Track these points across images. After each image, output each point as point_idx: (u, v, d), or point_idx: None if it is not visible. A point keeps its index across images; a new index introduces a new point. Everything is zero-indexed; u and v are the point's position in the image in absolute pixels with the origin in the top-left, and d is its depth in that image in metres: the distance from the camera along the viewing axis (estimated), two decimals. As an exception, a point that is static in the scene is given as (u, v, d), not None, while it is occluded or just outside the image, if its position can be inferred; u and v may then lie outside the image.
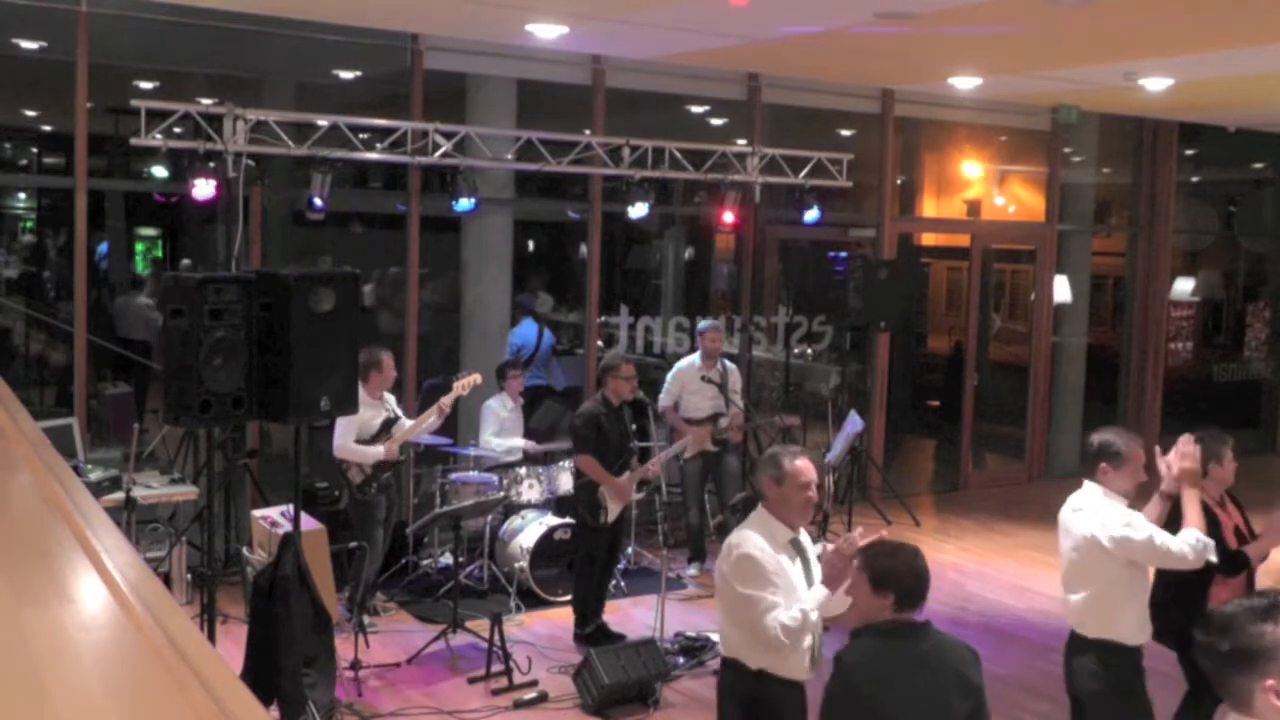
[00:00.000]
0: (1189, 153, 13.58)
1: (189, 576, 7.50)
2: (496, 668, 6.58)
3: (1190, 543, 4.48)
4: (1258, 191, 15.32)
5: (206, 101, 7.88)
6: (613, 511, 7.23)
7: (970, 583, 8.63)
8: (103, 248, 11.99)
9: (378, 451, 7.28)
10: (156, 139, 7.41)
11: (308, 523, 6.38)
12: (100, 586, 1.69)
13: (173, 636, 1.48)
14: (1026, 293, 12.73)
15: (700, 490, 8.71)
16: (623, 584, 8.21)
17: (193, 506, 7.65)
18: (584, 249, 10.09)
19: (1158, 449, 4.86)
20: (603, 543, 7.37)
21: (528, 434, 8.74)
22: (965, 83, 10.18)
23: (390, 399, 7.55)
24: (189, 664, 1.40)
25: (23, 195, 13.81)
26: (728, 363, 8.73)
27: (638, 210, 9.04)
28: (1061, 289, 12.55)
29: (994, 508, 11.08)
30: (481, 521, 8.04)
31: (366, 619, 7.22)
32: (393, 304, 10.06)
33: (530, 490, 8.21)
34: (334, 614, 6.19)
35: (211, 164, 7.42)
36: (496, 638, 6.56)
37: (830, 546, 4.15)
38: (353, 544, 7.17)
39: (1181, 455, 4.73)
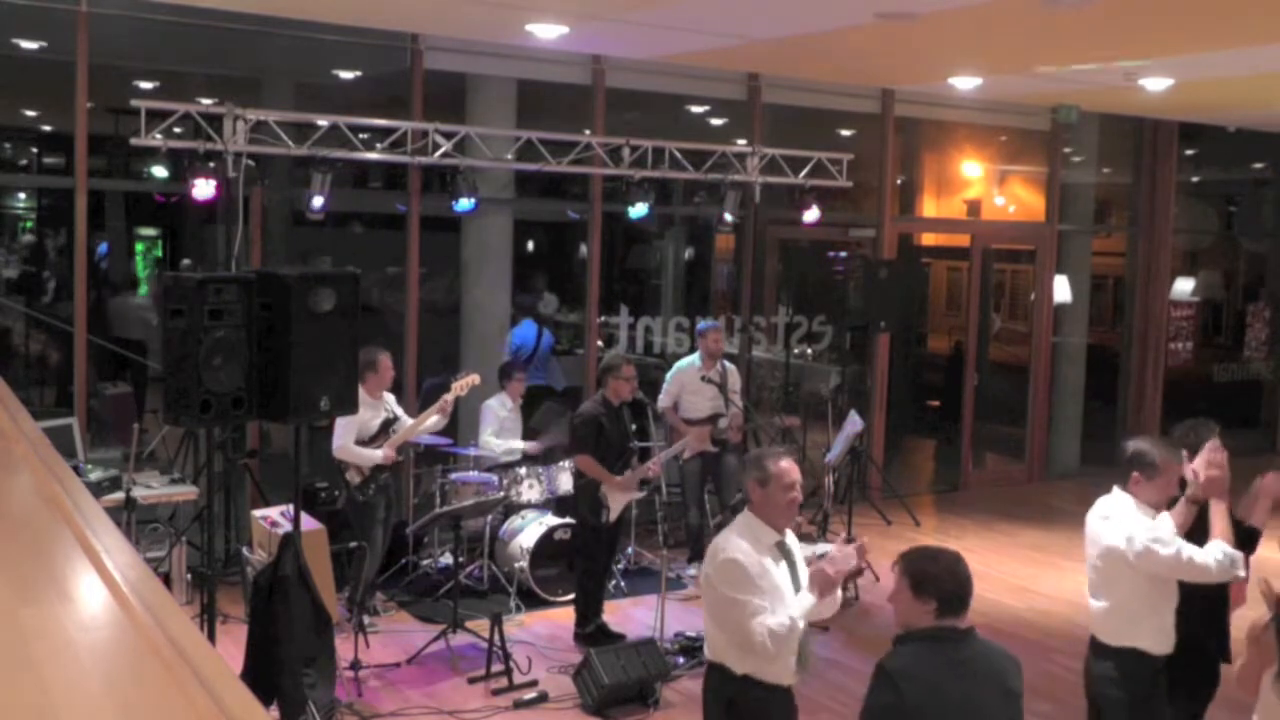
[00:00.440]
0: (1189, 153, 13.58)
1: (189, 576, 7.50)
2: (496, 668, 6.59)
3: (1216, 557, 4.42)
4: (1258, 191, 15.32)
5: (206, 101, 7.88)
6: (614, 511, 7.24)
7: (970, 583, 8.62)
8: (103, 248, 11.99)
9: (376, 455, 7.27)
10: (156, 139, 7.41)
11: (308, 523, 6.38)
12: (100, 586, 1.69)
13: (173, 636, 1.48)
14: (1026, 293, 12.73)
15: (700, 490, 8.71)
16: (623, 584, 8.21)
17: (193, 506, 7.65)
18: (584, 249, 10.09)
19: (1184, 452, 4.82)
20: (602, 542, 7.37)
21: (527, 434, 8.73)
22: (965, 83, 10.18)
23: (390, 399, 7.55)
24: (189, 664, 1.40)
25: (23, 195, 13.81)
26: (727, 363, 8.73)
27: (638, 210, 9.04)
28: (1061, 289, 12.55)
29: (994, 508, 11.08)
30: (481, 521, 8.04)
31: (366, 619, 7.22)
32: (393, 304, 10.06)
33: (530, 490, 8.21)
34: (334, 614, 6.19)
35: (211, 164, 7.42)
36: (496, 638, 6.56)
37: (824, 552, 4.16)
38: (353, 544, 7.17)
39: (1209, 464, 4.69)
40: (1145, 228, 12.98)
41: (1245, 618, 4.43)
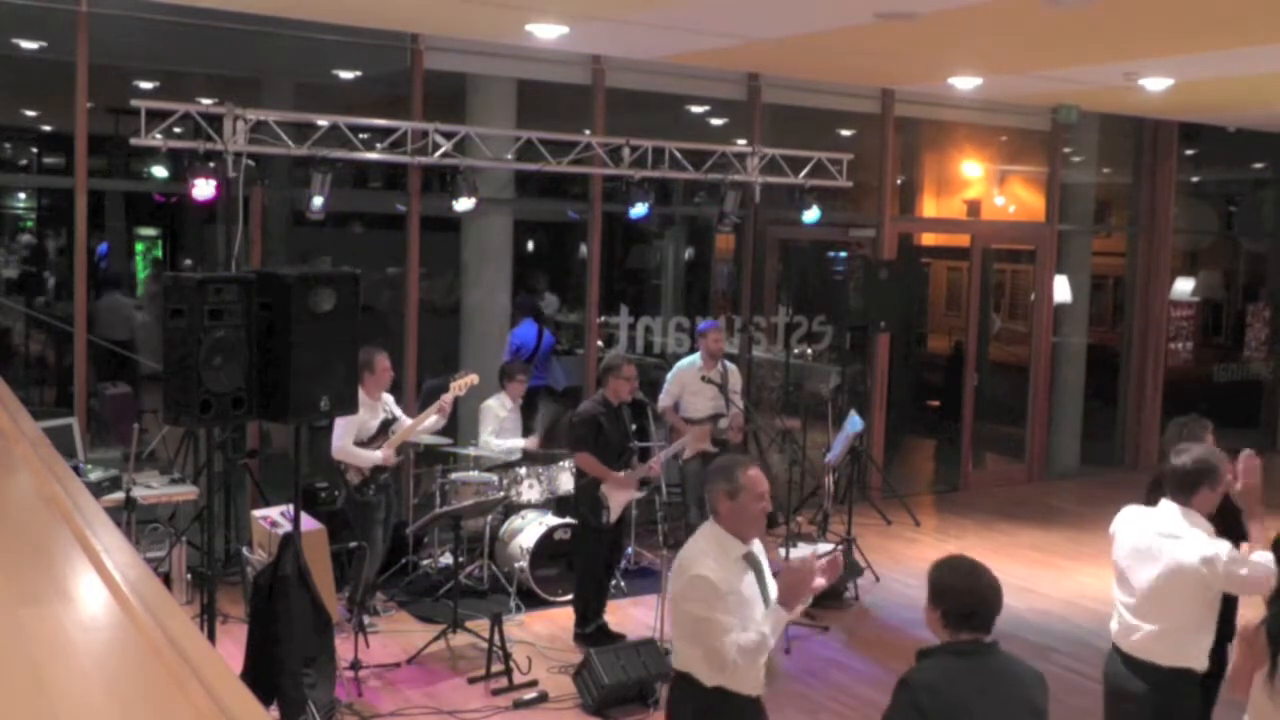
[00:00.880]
0: (1189, 153, 13.58)
1: (189, 576, 7.50)
2: (496, 668, 6.58)
3: (1272, 566, 4.33)
4: (1258, 191, 15.32)
5: (206, 101, 7.88)
6: (614, 511, 7.24)
7: (970, 583, 8.61)
8: (103, 248, 11.99)
9: (375, 456, 7.27)
10: (156, 139, 7.41)
11: (308, 523, 6.38)
12: (100, 586, 1.69)
13: (173, 636, 1.48)
14: (1026, 293, 12.73)
15: (700, 490, 8.69)
16: (623, 584, 8.21)
17: (193, 506, 7.65)
18: (584, 249, 10.09)
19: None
20: (604, 543, 7.37)
21: (528, 432, 8.73)
22: (965, 83, 10.18)
23: (389, 400, 7.55)
24: (189, 664, 1.40)
25: (23, 195, 13.81)
26: (728, 363, 8.73)
27: (638, 210, 9.04)
28: (1061, 289, 12.55)
29: (994, 508, 11.08)
30: (481, 521, 8.04)
31: (366, 619, 7.22)
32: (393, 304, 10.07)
33: (530, 490, 8.20)
34: (334, 614, 6.19)
35: (211, 164, 7.42)
36: (496, 638, 6.56)
37: (823, 552, 4.13)
38: (353, 544, 7.17)
39: (1245, 472, 4.65)
40: (1145, 228, 12.98)
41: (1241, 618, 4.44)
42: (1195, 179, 14.32)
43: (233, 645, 6.04)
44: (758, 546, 4.16)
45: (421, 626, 7.41)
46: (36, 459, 2.43)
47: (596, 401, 7.31)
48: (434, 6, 7.83)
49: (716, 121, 11.26)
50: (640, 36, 8.40)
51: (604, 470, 7.13)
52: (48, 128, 12.03)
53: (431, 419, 7.49)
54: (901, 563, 9.15)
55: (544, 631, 7.46)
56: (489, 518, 8.06)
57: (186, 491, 7.68)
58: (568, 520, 7.88)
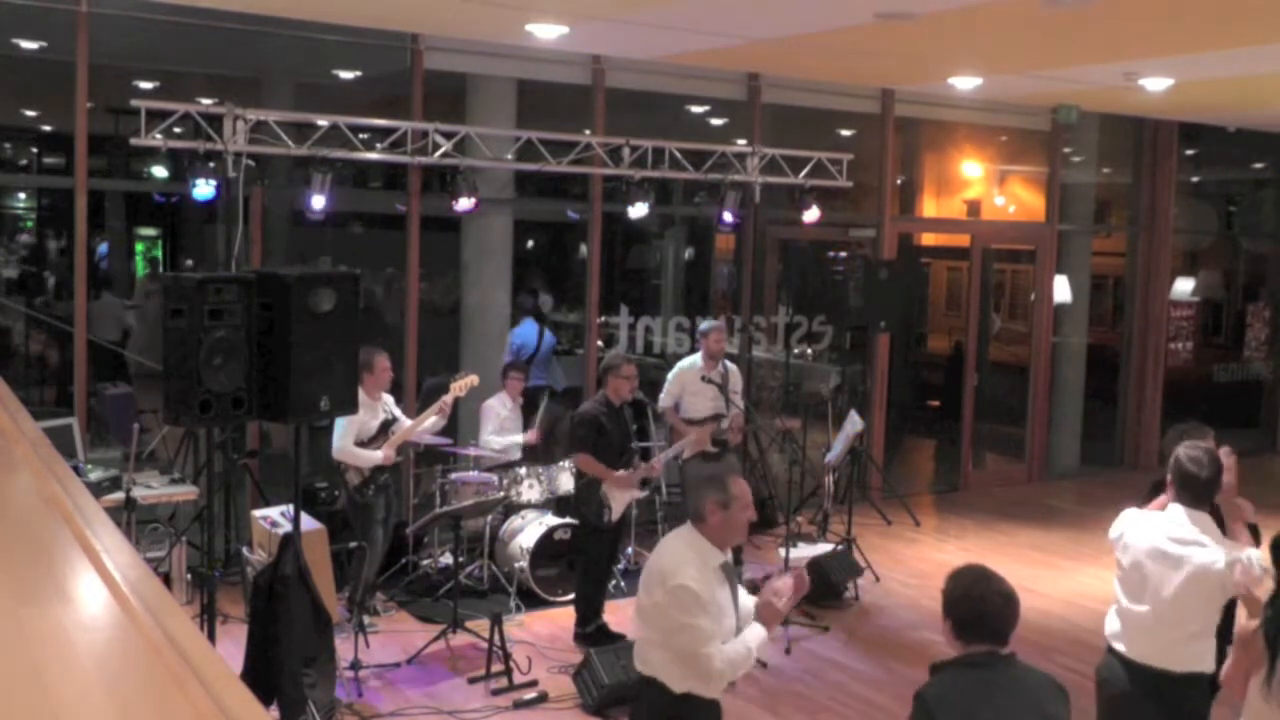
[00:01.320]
0: (1189, 153, 13.58)
1: (189, 576, 7.51)
2: (496, 668, 6.59)
3: (1265, 567, 4.32)
4: (1258, 191, 15.32)
5: (206, 101, 7.88)
6: (616, 511, 7.24)
7: (970, 583, 8.61)
8: (103, 248, 12.00)
9: (376, 456, 7.27)
10: (156, 139, 7.41)
11: (308, 523, 6.39)
12: (100, 586, 1.68)
13: (173, 636, 1.48)
14: (1026, 293, 12.73)
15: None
16: (623, 584, 8.20)
17: (193, 506, 7.65)
18: (584, 249, 10.09)
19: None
20: (604, 543, 7.37)
21: (529, 429, 8.73)
22: (965, 83, 10.18)
23: (389, 400, 7.55)
24: (189, 664, 1.40)
25: (23, 195, 13.82)
26: (729, 363, 8.72)
27: (638, 210, 9.04)
28: (1061, 289, 12.56)
29: (994, 508, 11.08)
30: (481, 521, 8.04)
31: (366, 619, 7.22)
32: (392, 304, 10.07)
33: (530, 490, 8.21)
34: (334, 614, 6.19)
35: (211, 164, 7.42)
36: (496, 638, 6.56)
37: (770, 581, 4.17)
38: (353, 544, 7.17)
39: (1224, 470, 4.60)
40: (1145, 228, 12.98)
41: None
42: (1195, 179, 14.31)
43: (233, 645, 6.04)
44: (729, 557, 4.21)
45: (421, 626, 7.41)
46: (36, 459, 2.43)
47: (598, 401, 7.32)
48: (434, 6, 7.83)
49: (716, 121, 11.26)
50: (640, 36, 8.40)
51: (604, 470, 7.13)
52: (48, 128, 12.03)
53: (431, 420, 7.49)
54: (901, 563, 9.15)
55: (544, 631, 7.46)
56: (489, 518, 8.06)
57: (186, 491, 7.68)
58: (568, 520, 7.88)
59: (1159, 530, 4.46)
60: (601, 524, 7.21)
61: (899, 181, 11.89)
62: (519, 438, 8.54)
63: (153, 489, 7.57)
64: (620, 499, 7.25)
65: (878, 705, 6.56)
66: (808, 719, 6.39)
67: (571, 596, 7.59)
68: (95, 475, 7.28)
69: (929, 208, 13.26)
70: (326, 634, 5.74)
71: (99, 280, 10.93)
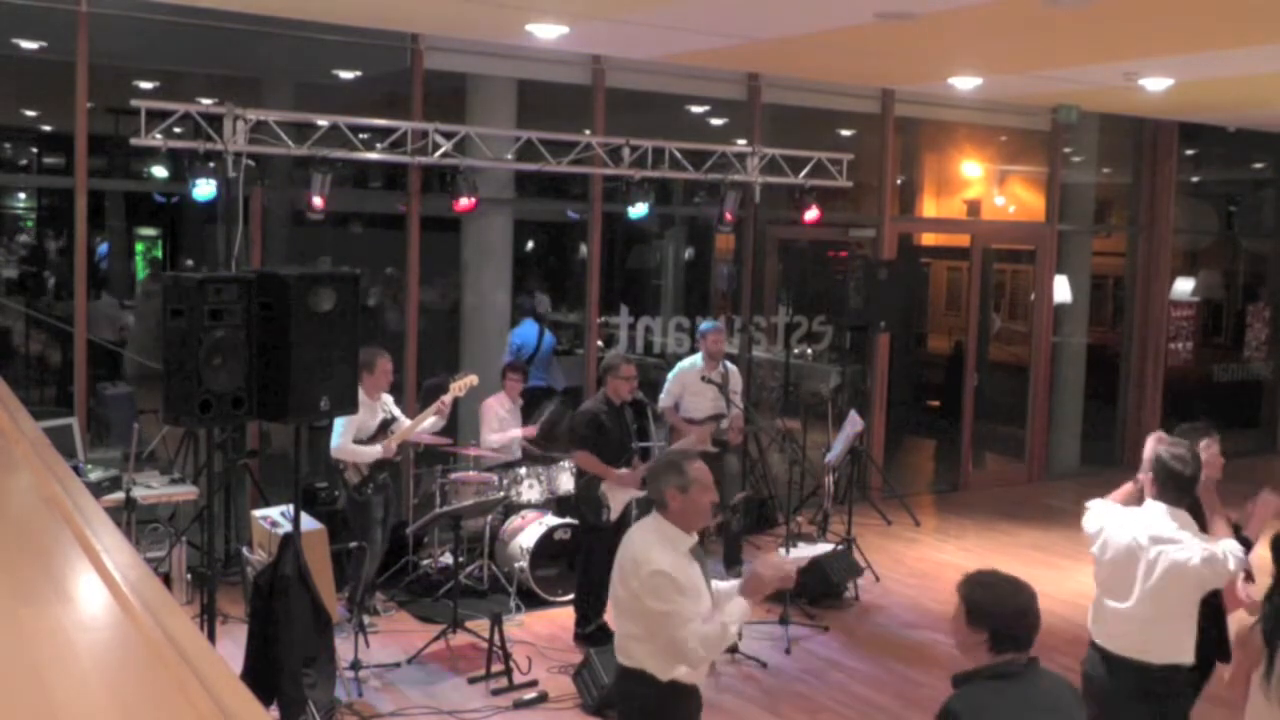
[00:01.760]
0: (1189, 153, 13.58)
1: (189, 576, 7.51)
2: (496, 668, 6.59)
3: (1239, 556, 4.41)
4: (1258, 191, 15.32)
5: (206, 101, 7.88)
6: (615, 510, 7.24)
7: (970, 583, 8.61)
8: (103, 248, 12.00)
9: (376, 451, 7.28)
10: (156, 139, 7.41)
11: (308, 523, 6.38)
12: (100, 586, 1.68)
13: (173, 636, 1.48)
14: (1026, 293, 12.73)
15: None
16: (623, 584, 8.20)
17: (193, 506, 7.65)
18: (584, 249, 10.09)
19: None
20: (604, 542, 7.36)
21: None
22: (965, 83, 10.18)
23: (388, 400, 7.55)
24: (189, 664, 1.40)
25: (23, 195, 13.82)
26: (729, 364, 8.72)
27: (638, 210, 9.04)
28: (1061, 289, 12.56)
29: (994, 508, 11.08)
30: (481, 521, 8.04)
31: (366, 619, 7.22)
32: (393, 304, 10.07)
33: (530, 490, 8.21)
34: (334, 614, 6.19)
35: (211, 164, 7.42)
36: (496, 638, 6.56)
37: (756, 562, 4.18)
38: (352, 544, 7.17)
39: (1204, 465, 4.66)
40: (1145, 228, 12.98)
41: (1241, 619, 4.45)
42: (1195, 179, 14.31)
43: (233, 645, 6.04)
44: (695, 540, 4.23)
45: (421, 626, 7.41)
46: (36, 459, 2.43)
47: (598, 401, 7.32)
48: (434, 6, 7.83)
49: (716, 121, 11.26)
50: (640, 36, 8.40)
51: (604, 469, 7.13)
52: (48, 128, 12.03)
53: (430, 419, 7.50)
54: (901, 563, 9.15)
55: (544, 631, 7.46)
56: (489, 518, 8.06)
57: (186, 491, 7.68)
58: (568, 520, 7.89)
59: (1138, 527, 4.51)
60: (601, 523, 7.21)
61: (899, 181, 11.89)
62: (518, 431, 8.54)
63: (153, 489, 7.57)
64: (619, 498, 7.26)
65: (878, 705, 6.56)
66: (808, 719, 6.39)
67: (571, 596, 7.59)
68: (95, 475, 7.28)
69: (929, 208, 13.26)
70: (326, 634, 5.74)
71: (99, 280, 10.93)
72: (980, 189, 13.38)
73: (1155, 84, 9.71)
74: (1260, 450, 13.88)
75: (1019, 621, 3.31)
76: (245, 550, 7.09)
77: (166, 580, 7.28)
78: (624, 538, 4.30)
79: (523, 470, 8.23)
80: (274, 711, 5.37)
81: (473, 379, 7.69)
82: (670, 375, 8.76)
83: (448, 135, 8.41)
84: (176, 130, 7.45)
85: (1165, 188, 12.85)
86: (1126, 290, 13.31)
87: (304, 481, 6.80)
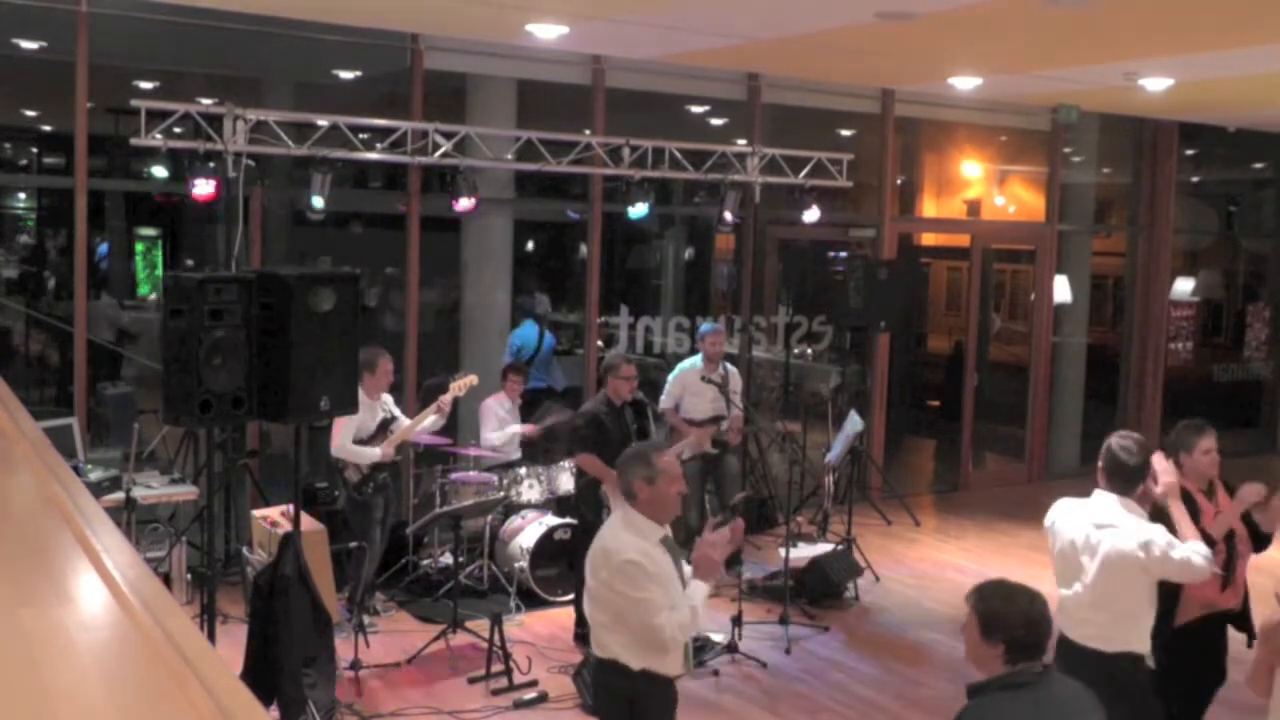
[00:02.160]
0: (1189, 153, 13.58)
1: (189, 576, 7.50)
2: (496, 668, 6.59)
3: (1204, 554, 4.50)
4: (1258, 191, 15.32)
5: (206, 101, 7.88)
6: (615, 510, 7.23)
7: (970, 582, 8.52)
8: (103, 248, 12.00)
9: (375, 453, 7.28)
10: (156, 139, 7.41)
11: (308, 523, 6.38)
12: (100, 586, 1.68)
13: (173, 636, 1.48)
14: (1026, 293, 12.73)
15: (700, 491, 8.71)
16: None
17: (193, 506, 7.65)
18: (584, 249, 10.09)
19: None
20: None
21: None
22: (965, 83, 10.18)
23: (388, 399, 7.55)
24: (189, 664, 1.40)
25: (23, 195, 13.83)
26: (729, 365, 8.73)
27: (638, 210, 9.04)
28: (1061, 289, 12.56)
29: (994, 508, 11.08)
30: (481, 521, 8.04)
31: (366, 619, 7.22)
32: (393, 305, 10.07)
33: (530, 490, 8.21)
34: (334, 614, 6.19)
35: (211, 164, 7.42)
36: (496, 638, 6.56)
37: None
38: (352, 544, 7.17)
39: (1162, 471, 4.79)
40: (1145, 228, 12.98)
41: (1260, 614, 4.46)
42: (1195, 179, 14.31)
43: (233, 645, 6.04)
44: (668, 531, 4.28)
45: (421, 626, 7.41)
46: (37, 459, 2.43)
47: (599, 401, 7.32)
48: (434, 6, 7.83)
49: (716, 121, 11.26)
50: (640, 36, 8.40)
51: (606, 471, 7.12)
52: (48, 128, 12.04)
53: (430, 419, 7.50)
54: (901, 563, 9.15)
55: (544, 631, 7.46)
56: (489, 518, 8.06)
57: (186, 491, 7.68)
58: (568, 520, 7.88)
59: (1084, 516, 4.65)
60: (600, 522, 7.20)
61: (899, 181, 11.89)
62: (518, 428, 8.54)
63: (153, 489, 7.57)
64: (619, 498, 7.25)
65: (878, 705, 6.56)
66: (808, 719, 6.39)
67: (571, 596, 7.59)
68: (95, 475, 7.28)
69: (929, 208, 13.26)
70: (326, 634, 5.74)
71: (99, 280, 10.93)
72: (980, 189, 13.38)
73: (1155, 84, 9.71)
74: (1260, 450, 13.88)
75: (1033, 631, 3.30)
76: (245, 550, 7.09)
77: (166, 580, 7.28)
78: (596, 534, 4.35)
79: (523, 470, 8.23)
80: (274, 711, 5.37)
81: (472, 379, 7.69)
82: (670, 377, 8.77)
83: (448, 135, 8.41)
84: (176, 130, 7.45)
85: (1165, 188, 12.85)
86: (1126, 290, 13.31)
87: (304, 481, 6.79)
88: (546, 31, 8.20)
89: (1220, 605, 5.03)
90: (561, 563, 7.91)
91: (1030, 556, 9.49)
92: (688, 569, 4.27)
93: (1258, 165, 14.77)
